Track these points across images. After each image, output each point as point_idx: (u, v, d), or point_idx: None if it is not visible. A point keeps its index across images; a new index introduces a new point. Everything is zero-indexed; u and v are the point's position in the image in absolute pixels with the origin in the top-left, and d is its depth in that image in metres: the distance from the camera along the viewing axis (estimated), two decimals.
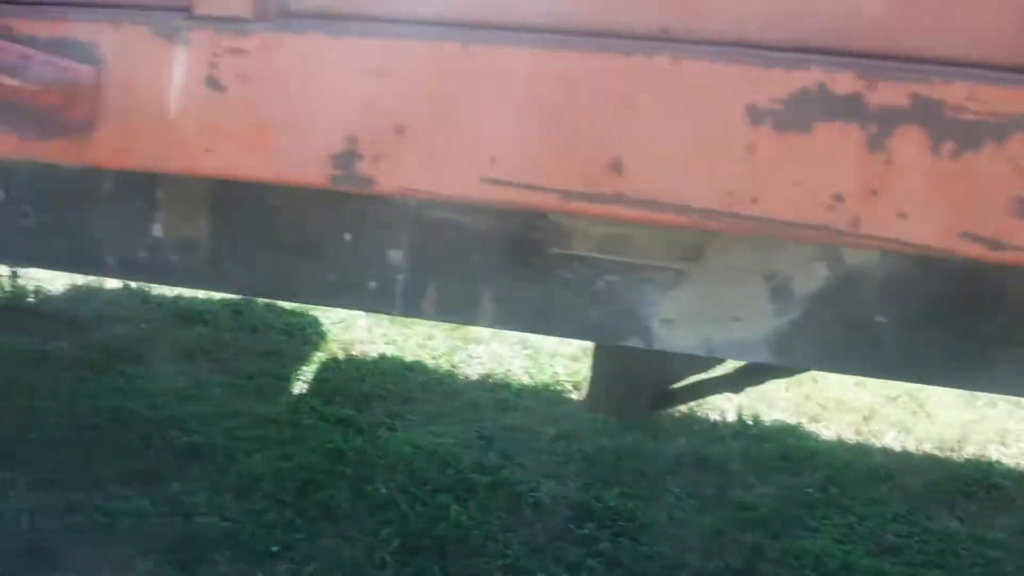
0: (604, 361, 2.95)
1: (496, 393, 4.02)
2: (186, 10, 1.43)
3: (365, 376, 4.09)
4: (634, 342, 2.35)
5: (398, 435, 3.60)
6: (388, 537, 3.01)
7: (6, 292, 4.64)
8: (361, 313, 4.74)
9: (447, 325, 4.62)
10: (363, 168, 1.36)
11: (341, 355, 4.31)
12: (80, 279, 4.98)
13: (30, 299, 4.75)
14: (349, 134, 1.36)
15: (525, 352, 4.43)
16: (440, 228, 2.47)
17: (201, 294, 4.95)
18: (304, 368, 4.16)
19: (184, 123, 1.44)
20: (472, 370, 4.23)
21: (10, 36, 1.47)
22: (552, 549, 3.03)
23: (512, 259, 2.43)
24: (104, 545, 2.94)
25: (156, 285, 4.82)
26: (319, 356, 4.29)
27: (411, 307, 2.59)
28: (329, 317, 4.70)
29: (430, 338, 4.52)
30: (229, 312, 4.74)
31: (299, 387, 4.00)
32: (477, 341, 4.51)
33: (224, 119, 1.41)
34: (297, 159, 1.40)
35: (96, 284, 5.04)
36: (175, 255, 2.77)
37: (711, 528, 3.22)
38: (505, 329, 2.71)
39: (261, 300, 4.82)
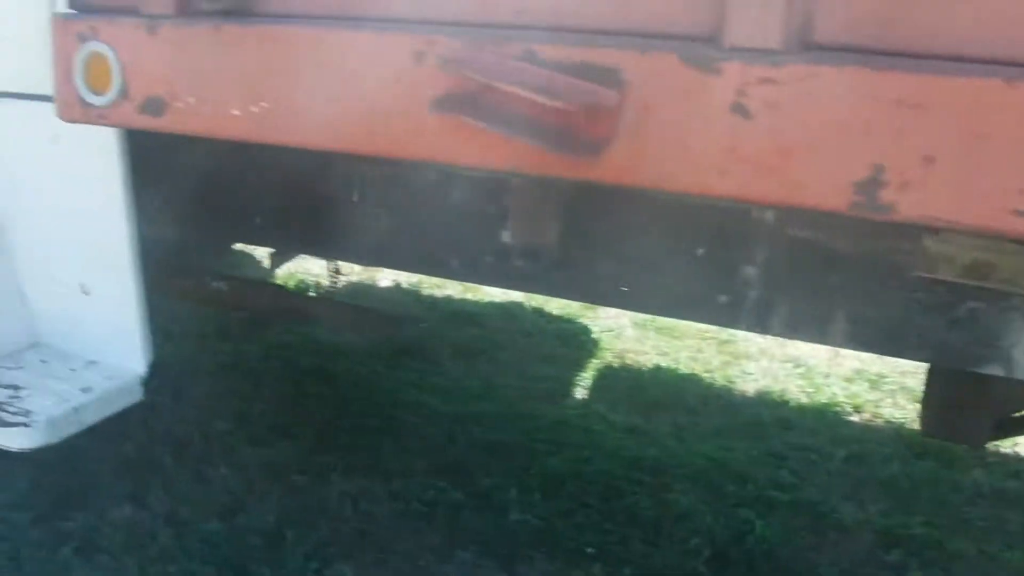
0: (939, 385, 2.92)
1: (776, 411, 4.02)
2: (712, 40, 1.52)
3: (644, 386, 4.16)
4: (993, 369, 2.34)
5: (688, 446, 3.65)
6: (698, 547, 3.06)
7: (298, 285, 4.93)
8: (629, 323, 4.83)
9: (717, 339, 4.65)
10: (886, 196, 1.41)
11: (616, 363, 4.39)
12: (355, 275, 5.23)
13: (311, 292, 5.02)
14: (875, 162, 1.41)
15: (798, 371, 4.41)
16: (798, 246, 2.51)
17: (471, 296, 5.13)
18: (582, 374, 4.26)
19: (702, 146, 1.52)
20: (747, 386, 4.25)
21: (533, 59, 1.59)
22: (862, 573, 3.03)
23: (871, 280, 2.45)
24: (425, 533, 3.10)
25: (435, 286, 5.03)
26: (595, 363, 4.38)
27: (759, 323, 2.64)
28: (599, 325, 4.79)
29: (700, 351, 4.56)
30: (501, 314, 4.89)
31: (581, 392, 4.10)
32: (747, 357, 4.53)
33: (745, 145, 1.49)
34: (816, 185, 1.46)
35: (368, 281, 5.29)
36: (521, 261, 2.90)
37: (1023, 565, 3.16)
38: (854, 349, 2.72)
39: (531, 304, 4.97)
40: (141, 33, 1.95)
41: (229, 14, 1.92)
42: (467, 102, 1.64)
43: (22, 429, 2.51)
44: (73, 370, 2.80)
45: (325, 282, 5.16)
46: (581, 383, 4.17)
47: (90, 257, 2.71)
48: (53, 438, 2.57)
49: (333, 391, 3.94)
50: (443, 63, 1.64)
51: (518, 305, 4.99)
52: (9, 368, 2.82)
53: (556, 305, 4.96)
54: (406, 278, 5.23)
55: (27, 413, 2.56)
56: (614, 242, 2.76)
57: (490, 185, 2.84)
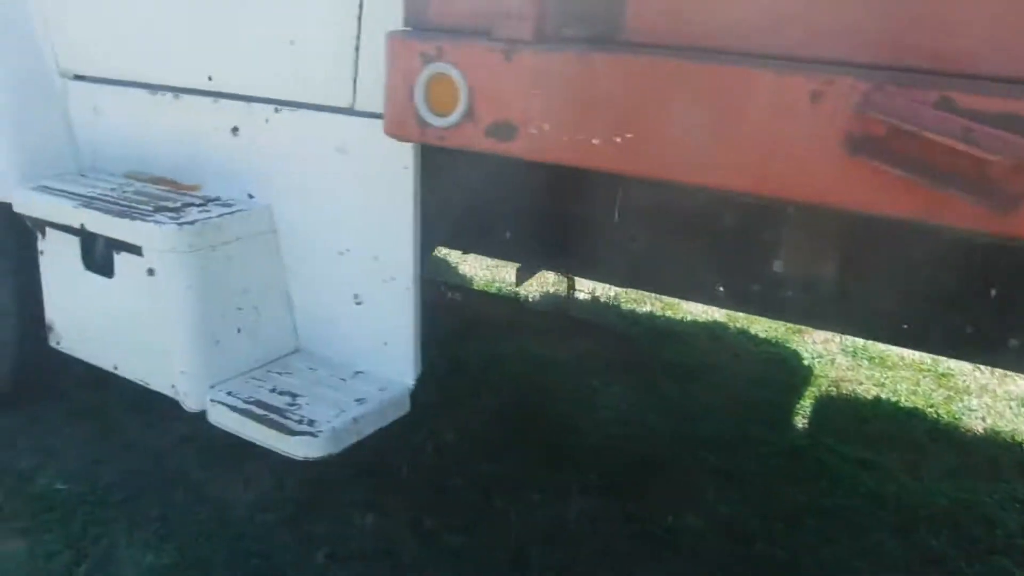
0: None
1: (1010, 452, 3.83)
2: None
3: (867, 417, 4.03)
4: None
5: (926, 485, 3.52)
6: None
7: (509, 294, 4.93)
8: (838, 349, 4.71)
9: (935, 372, 4.50)
10: None
11: (832, 392, 4.27)
12: (551, 285, 5.21)
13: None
14: None
15: None
16: None
17: (671, 313, 5.06)
18: (800, 402, 4.16)
19: None
20: (974, 424, 4.08)
21: (950, 108, 1.53)
22: None
23: None
24: (669, 560, 3.05)
25: (633, 301, 4.97)
26: (811, 390, 4.27)
27: None
28: (808, 351, 4.68)
29: (918, 384, 4.40)
30: (706, 334, 4.82)
31: (801, 421, 4.00)
32: (968, 392, 4.35)
33: None
34: None
35: (563, 292, 5.25)
36: (792, 291, 2.83)
37: None
38: None
39: (735, 325, 4.88)
40: (496, 57, 1.94)
41: (592, 42, 1.89)
42: (878, 147, 1.58)
43: (308, 439, 2.55)
44: (343, 380, 2.83)
45: (522, 292, 5.15)
46: (800, 411, 4.07)
47: (369, 268, 2.73)
48: (335, 448, 2.60)
49: (554, 406, 3.92)
50: (856, 106, 1.58)
51: (722, 326, 4.90)
52: (280, 374, 2.86)
53: (761, 327, 4.86)
54: (603, 291, 5.19)
55: (311, 422, 2.59)
56: (896, 277, 2.68)
57: (763, 212, 2.78)
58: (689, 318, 4.98)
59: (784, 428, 3.89)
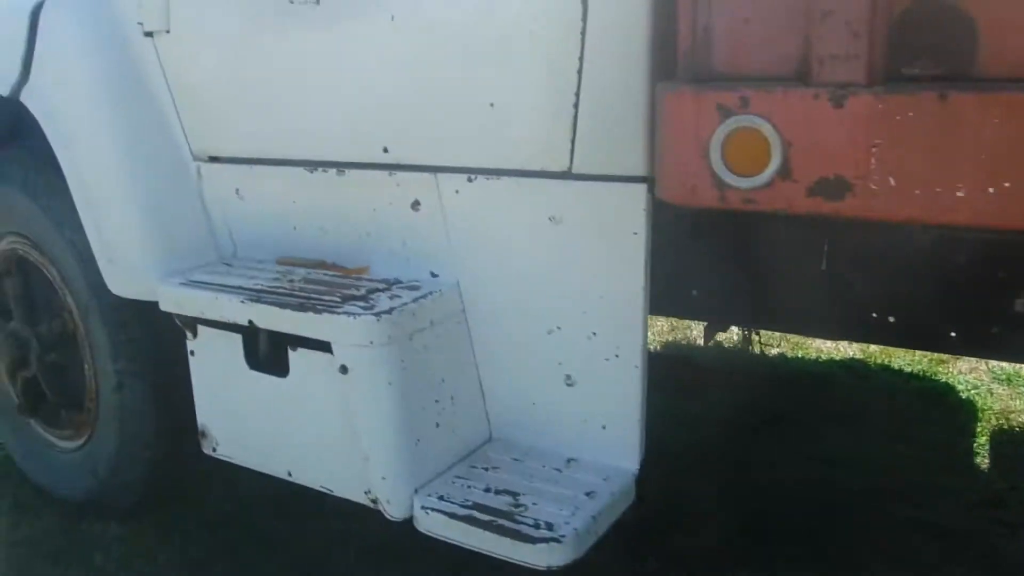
0: None
1: None
2: None
3: None
4: None
5: None
6: None
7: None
8: (990, 378, 4.45)
9: None
10: None
11: (1005, 426, 4.01)
12: (664, 333, 4.95)
13: None
14: None
15: None
16: None
17: (802, 354, 4.79)
18: (975, 440, 3.88)
19: None
20: None
21: None
22: None
23: None
24: None
25: (760, 343, 4.71)
26: (981, 426, 4.00)
27: None
28: (960, 382, 4.42)
29: None
30: (847, 374, 4.55)
31: (984, 461, 3.73)
32: None
33: None
34: None
35: (682, 340, 5.00)
36: None
37: None
38: None
39: (874, 361, 4.62)
40: (821, 105, 1.68)
41: (941, 80, 1.63)
42: None
43: (552, 545, 2.26)
44: (558, 470, 2.56)
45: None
46: (980, 451, 3.79)
47: (585, 346, 2.47)
48: (579, 553, 2.31)
49: (728, 466, 3.64)
50: None
51: (861, 363, 4.64)
52: (486, 469, 2.58)
53: (903, 360, 4.60)
54: (726, 336, 4.91)
55: (549, 525, 2.31)
56: None
57: (999, 248, 2.53)
58: (825, 358, 4.71)
59: (973, 472, 3.62)
